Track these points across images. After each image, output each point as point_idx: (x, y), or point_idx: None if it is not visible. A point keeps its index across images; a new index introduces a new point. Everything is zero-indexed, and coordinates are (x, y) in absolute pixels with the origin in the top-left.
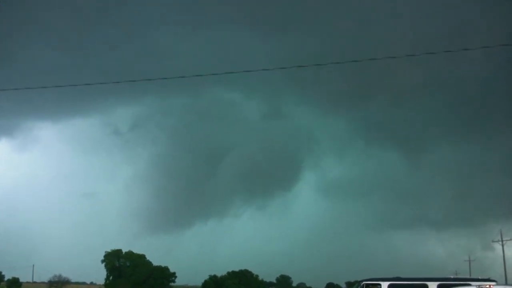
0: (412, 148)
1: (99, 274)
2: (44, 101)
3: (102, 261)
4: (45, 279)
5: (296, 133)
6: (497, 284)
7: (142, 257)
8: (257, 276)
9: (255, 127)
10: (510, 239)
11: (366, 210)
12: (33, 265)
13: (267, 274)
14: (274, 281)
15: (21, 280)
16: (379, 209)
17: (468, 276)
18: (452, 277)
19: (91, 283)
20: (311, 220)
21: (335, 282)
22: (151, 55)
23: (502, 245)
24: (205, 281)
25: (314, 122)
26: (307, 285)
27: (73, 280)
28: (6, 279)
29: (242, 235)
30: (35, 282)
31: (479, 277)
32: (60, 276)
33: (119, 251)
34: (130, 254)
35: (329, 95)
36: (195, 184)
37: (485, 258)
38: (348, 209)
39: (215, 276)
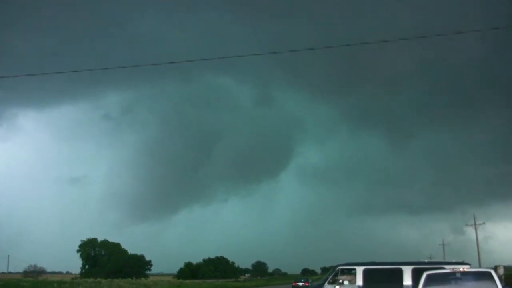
0: (397, 135)
1: (75, 263)
2: (31, 89)
3: (78, 251)
4: (21, 269)
5: (280, 119)
6: (471, 267)
7: (117, 245)
8: (233, 263)
9: (244, 113)
10: (483, 223)
11: (345, 196)
12: (8, 256)
13: (243, 261)
14: (250, 267)
15: None
16: (358, 195)
17: (442, 260)
18: (426, 261)
19: (67, 272)
20: (289, 207)
21: (311, 268)
22: (140, 41)
23: (475, 229)
24: (181, 268)
25: (296, 108)
26: (283, 271)
27: (48, 270)
28: None
29: (219, 223)
30: (10, 273)
31: (453, 261)
32: (35, 266)
33: (94, 240)
34: (105, 243)
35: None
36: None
37: (459, 242)
38: (327, 195)
39: (190, 263)
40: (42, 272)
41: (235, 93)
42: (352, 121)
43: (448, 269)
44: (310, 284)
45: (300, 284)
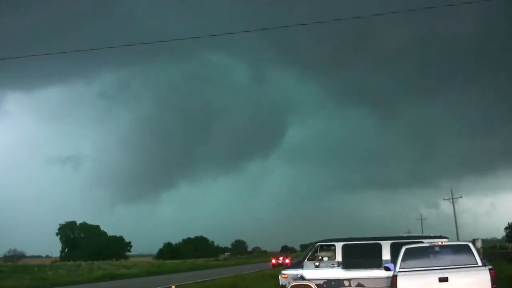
0: (381, 112)
1: (55, 246)
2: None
3: (57, 234)
4: (0, 254)
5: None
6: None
7: (96, 228)
8: (212, 242)
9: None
10: (461, 197)
11: (326, 174)
12: None
13: (223, 240)
14: (230, 246)
15: None
16: (339, 173)
17: (420, 234)
18: (405, 235)
19: (47, 256)
20: (268, 185)
21: (290, 245)
22: (130, 19)
23: (453, 203)
24: (160, 249)
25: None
26: (262, 249)
27: (28, 254)
28: None
29: (198, 203)
30: None
31: (431, 235)
32: (15, 250)
33: (73, 222)
34: (84, 225)
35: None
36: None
37: (434, 216)
38: (308, 173)
39: (169, 243)
40: (22, 256)
41: (221, 69)
42: (336, 99)
43: (426, 243)
44: (290, 261)
45: (280, 261)
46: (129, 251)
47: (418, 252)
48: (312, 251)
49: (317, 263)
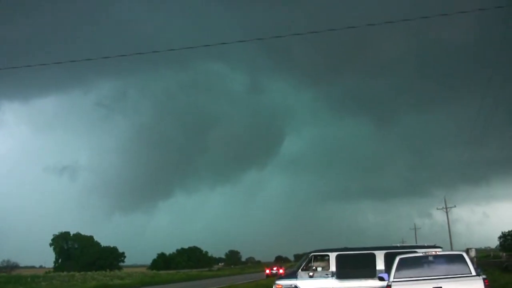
0: (379, 122)
1: (48, 257)
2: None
3: (51, 244)
4: None
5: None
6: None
7: (90, 238)
8: (206, 252)
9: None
10: (454, 206)
11: (320, 183)
12: None
13: (217, 250)
14: (224, 256)
15: None
16: (335, 182)
17: (414, 244)
18: (399, 245)
19: (40, 266)
20: (262, 196)
21: (284, 255)
22: (122, 29)
23: (447, 212)
24: (154, 259)
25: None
26: (256, 259)
27: (22, 265)
28: None
29: (193, 212)
30: None
31: (425, 244)
32: (8, 261)
33: (67, 233)
34: (78, 236)
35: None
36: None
37: (427, 226)
38: (302, 183)
39: (163, 254)
40: (15, 266)
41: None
42: (333, 108)
43: (420, 252)
44: (284, 271)
45: (274, 271)
46: (123, 261)
47: (412, 262)
48: (306, 261)
49: (311, 273)
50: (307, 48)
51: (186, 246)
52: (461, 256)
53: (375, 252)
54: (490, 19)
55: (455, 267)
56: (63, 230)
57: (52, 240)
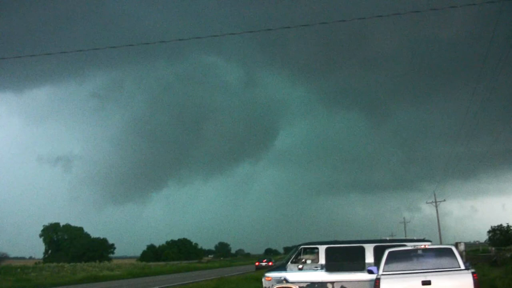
0: (370, 116)
1: (38, 248)
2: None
3: (40, 235)
4: None
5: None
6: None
7: (79, 229)
8: (196, 244)
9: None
10: (444, 200)
11: (311, 177)
12: None
13: (206, 242)
14: (213, 248)
15: None
16: (325, 176)
17: (403, 237)
18: (388, 238)
19: (30, 257)
20: (253, 188)
21: (274, 248)
22: (117, 22)
23: (436, 206)
24: (144, 251)
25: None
26: (246, 251)
27: (12, 256)
28: None
29: (183, 204)
30: None
31: (415, 238)
32: None
33: (57, 224)
34: (67, 227)
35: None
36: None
37: (416, 220)
38: (293, 176)
39: (153, 246)
40: (5, 257)
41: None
42: (325, 103)
43: (409, 246)
44: (273, 264)
45: (263, 264)
46: (112, 253)
47: (401, 255)
48: (296, 254)
49: (300, 266)
50: (301, 42)
51: (176, 238)
52: (450, 250)
53: (365, 245)
54: (480, 14)
55: (444, 261)
56: (53, 221)
57: (42, 231)
